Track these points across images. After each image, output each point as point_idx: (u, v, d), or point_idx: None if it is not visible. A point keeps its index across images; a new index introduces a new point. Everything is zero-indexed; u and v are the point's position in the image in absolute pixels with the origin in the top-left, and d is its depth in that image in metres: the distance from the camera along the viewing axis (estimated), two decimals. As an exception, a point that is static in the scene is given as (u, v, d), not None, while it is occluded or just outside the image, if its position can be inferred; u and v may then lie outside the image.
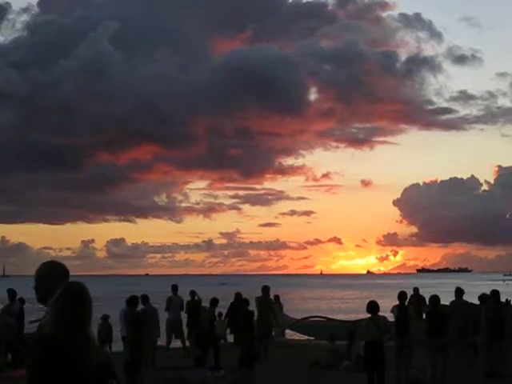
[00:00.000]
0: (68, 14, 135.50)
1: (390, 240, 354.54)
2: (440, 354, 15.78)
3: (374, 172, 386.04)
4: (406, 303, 16.26)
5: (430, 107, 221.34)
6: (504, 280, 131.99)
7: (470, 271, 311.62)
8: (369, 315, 14.67)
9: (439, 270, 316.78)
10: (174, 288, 22.19)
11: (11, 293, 19.12)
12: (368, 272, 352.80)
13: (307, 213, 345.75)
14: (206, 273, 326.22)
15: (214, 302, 19.88)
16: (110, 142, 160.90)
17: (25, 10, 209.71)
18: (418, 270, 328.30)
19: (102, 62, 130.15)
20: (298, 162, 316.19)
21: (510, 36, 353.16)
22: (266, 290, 21.01)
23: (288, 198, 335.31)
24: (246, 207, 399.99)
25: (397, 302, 15.91)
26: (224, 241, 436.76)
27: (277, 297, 26.42)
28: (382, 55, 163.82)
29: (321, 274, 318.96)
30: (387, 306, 17.20)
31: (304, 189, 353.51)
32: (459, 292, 18.05)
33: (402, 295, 15.99)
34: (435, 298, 16.36)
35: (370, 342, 14.39)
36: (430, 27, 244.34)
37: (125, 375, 12.07)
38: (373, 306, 14.61)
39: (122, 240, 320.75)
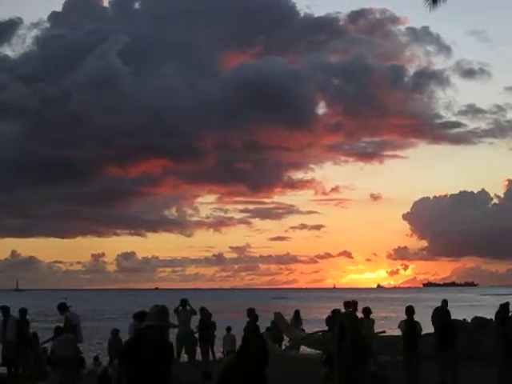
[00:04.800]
0: (78, 28, 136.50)
1: (401, 254, 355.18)
2: (450, 368, 15.68)
3: (383, 186, 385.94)
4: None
5: (439, 121, 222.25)
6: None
7: (476, 285, 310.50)
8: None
9: (445, 285, 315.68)
10: (183, 302, 22.02)
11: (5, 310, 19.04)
12: (378, 286, 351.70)
13: (317, 227, 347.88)
14: (216, 287, 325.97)
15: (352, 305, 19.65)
16: (120, 156, 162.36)
17: (35, 24, 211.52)
18: (425, 285, 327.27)
19: (111, 76, 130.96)
20: (308, 175, 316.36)
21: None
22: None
23: (298, 211, 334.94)
24: (256, 221, 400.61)
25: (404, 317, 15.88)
26: (234, 255, 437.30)
27: (297, 312, 26.57)
28: (391, 69, 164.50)
29: (334, 288, 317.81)
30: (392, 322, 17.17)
31: (314, 203, 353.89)
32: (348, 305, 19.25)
33: (409, 310, 15.93)
34: (446, 313, 16.30)
35: (330, 354, 14.44)
36: (438, 41, 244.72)
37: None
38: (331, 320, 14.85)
39: (133, 254, 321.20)
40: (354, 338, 9.21)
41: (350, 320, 9.74)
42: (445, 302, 21.11)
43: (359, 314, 19.59)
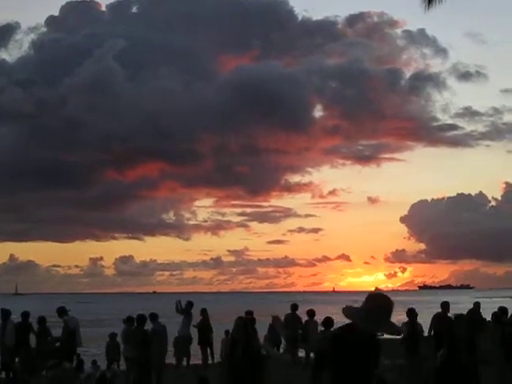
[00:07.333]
0: (75, 32, 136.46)
1: (398, 257, 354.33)
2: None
3: (380, 189, 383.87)
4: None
5: (436, 124, 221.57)
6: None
7: (472, 288, 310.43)
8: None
9: (441, 287, 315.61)
10: (190, 305, 21.94)
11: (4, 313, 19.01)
12: (376, 289, 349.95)
13: (315, 230, 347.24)
14: (214, 290, 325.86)
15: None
16: (117, 160, 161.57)
17: (33, 29, 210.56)
18: (420, 287, 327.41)
19: (108, 80, 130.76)
20: (305, 179, 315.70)
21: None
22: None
23: (296, 215, 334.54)
24: (254, 224, 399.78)
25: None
26: (232, 258, 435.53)
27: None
28: (388, 72, 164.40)
29: (333, 291, 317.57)
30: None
31: (311, 206, 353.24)
32: (294, 307, 21.89)
33: (411, 312, 15.96)
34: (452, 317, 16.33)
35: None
36: (434, 44, 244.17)
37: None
38: (328, 322, 14.91)
39: (131, 257, 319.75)
40: (243, 349, 8.77)
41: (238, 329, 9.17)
42: (477, 304, 21.31)
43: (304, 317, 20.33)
